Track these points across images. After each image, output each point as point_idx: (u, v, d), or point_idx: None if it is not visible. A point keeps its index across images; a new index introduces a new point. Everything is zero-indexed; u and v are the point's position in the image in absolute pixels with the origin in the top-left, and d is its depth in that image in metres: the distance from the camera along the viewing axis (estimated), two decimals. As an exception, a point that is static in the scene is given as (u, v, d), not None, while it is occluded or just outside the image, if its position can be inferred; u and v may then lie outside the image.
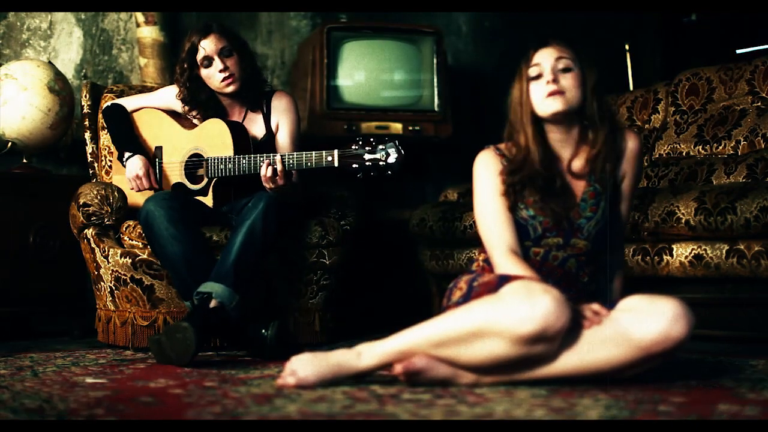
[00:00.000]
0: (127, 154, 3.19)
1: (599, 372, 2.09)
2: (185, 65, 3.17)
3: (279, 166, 2.91)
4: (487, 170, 2.33)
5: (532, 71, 2.28)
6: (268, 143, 3.21)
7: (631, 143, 2.36)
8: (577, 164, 2.32)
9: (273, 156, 2.93)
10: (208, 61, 3.13)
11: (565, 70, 2.26)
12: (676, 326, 2.03)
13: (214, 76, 3.14)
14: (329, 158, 2.84)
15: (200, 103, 3.22)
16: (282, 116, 3.24)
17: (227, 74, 3.12)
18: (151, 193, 3.14)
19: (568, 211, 2.28)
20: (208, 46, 3.13)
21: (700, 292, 3.09)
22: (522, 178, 2.27)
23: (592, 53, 2.36)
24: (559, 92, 2.24)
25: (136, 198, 3.19)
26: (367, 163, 2.79)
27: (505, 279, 2.14)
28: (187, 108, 3.25)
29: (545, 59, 2.27)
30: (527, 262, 2.27)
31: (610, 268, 2.44)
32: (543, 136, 2.30)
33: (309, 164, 2.90)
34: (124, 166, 3.20)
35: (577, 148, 2.33)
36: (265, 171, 2.91)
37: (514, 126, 2.32)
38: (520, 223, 2.29)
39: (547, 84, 2.25)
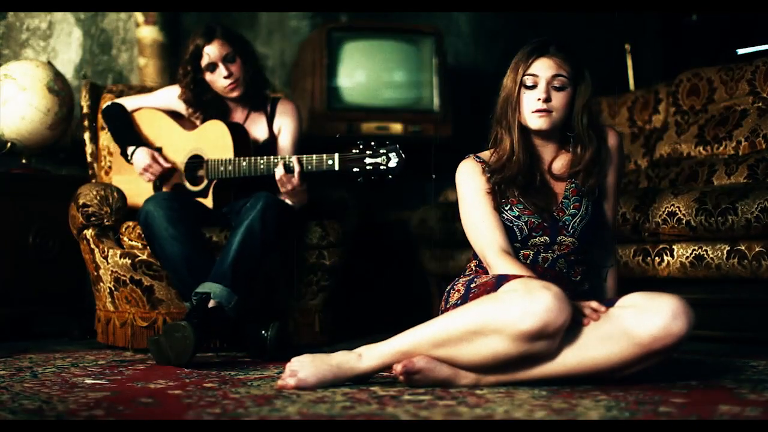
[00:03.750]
0: (130, 149, 3.18)
1: (599, 370, 2.08)
2: (189, 68, 3.17)
3: (298, 167, 2.90)
4: (469, 176, 2.37)
5: (528, 80, 2.30)
6: (270, 146, 3.20)
7: (612, 141, 2.39)
8: (558, 166, 2.37)
9: (290, 157, 2.92)
10: (212, 66, 3.13)
11: (559, 88, 2.29)
12: (676, 322, 2.03)
13: (218, 81, 3.14)
14: (330, 162, 2.84)
15: (203, 104, 3.21)
16: (285, 121, 3.25)
17: (232, 80, 3.13)
18: (150, 193, 3.14)
19: (550, 205, 2.30)
20: (212, 51, 3.12)
21: (701, 292, 3.08)
22: (504, 178, 2.31)
23: (592, 54, 2.37)
24: (547, 111, 2.27)
25: (136, 198, 3.19)
26: (368, 167, 2.79)
27: (503, 278, 2.14)
28: (190, 109, 3.25)
29: (543, 72, 2.28)
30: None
31: (602, 266, 2.45)
32: (529, 140, 2.35)
33: (309, 167, 2.90)
34: (130, 162, 3.19)
35: (557, 152, 2.37)
36: (283, 171, 2.89)
37: (500, 123, 2.35)
38: (507, 225, 2.31)
39: (537, 100, 2.28)
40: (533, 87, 2.29)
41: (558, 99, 2.28)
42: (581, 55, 2.34)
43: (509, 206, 2.31)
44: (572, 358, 2.07)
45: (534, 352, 2.04)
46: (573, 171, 2.33)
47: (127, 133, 3.25)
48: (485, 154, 2.40)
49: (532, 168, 2.33)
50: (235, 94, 3.16)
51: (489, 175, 2.33)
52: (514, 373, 2.10)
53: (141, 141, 3.22)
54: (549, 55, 2.29)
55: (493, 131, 2.38)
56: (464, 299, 2.23)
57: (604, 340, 2.07)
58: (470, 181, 2.36)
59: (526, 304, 1.98)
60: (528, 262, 2.31)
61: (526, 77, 2.29)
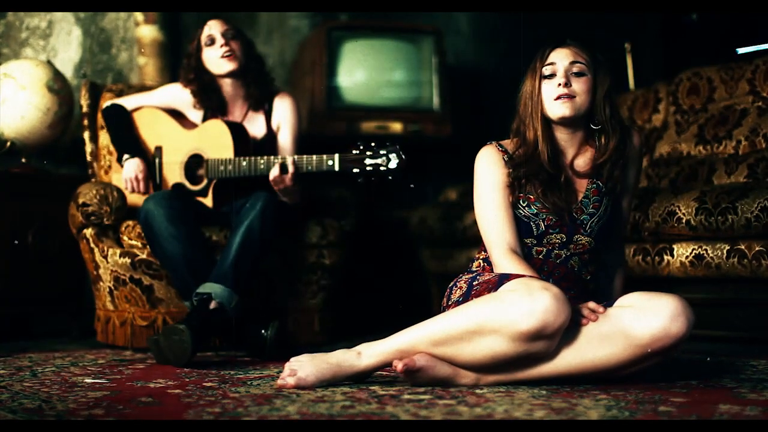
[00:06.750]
0: (126, 156, 3.18)
1: (598, 370, 2.08)
2: (194, 48, 3.20)
3: (291, 168, 2.90)
4: (488, 166, 2.33)
5: (546, 70, 2.28)
6: (268, 143, 3.20)
7: (636, 140, 2.37)
8: (581, 163, 2.33)
9: (285, 158, 2.93)
10: (211, 40, 3.15)
11: (579, 74, 2.26)
12: (675, 323, 2.03)
13: (215, 56, 3.14)
14: (330, 162, 2.84)
15: (204, 89, 3.19)
16: (284, 117, 3.24)
17: (228, 51, 3.12)
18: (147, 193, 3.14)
19: (570, 205, 2.28)
20: (214, 26, 3.17)
21: (701, 292, 3.08)
22: (527, 172, 2.27)
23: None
24: (569, 96, 2.24)
25: (136, 198, 3.19)
26: (368, 168, 2.79)
27: (505, 277, 2.14)
28: (193, 99, 3.23)
29: (560, 60, 2.27)
30: (528, 261, 2.27)
31: (611, 266, 2.44)
32: (551, 133, 2.31)
33: (309, 167, 2.91)
34: (122, 167, 3.19)
35: (580, 147, 2.34)
36: (278, 172, 2.90)
37: (523, 120, 2.32)
38: (523, 220, 2.29)
39: (558, 86, 2.25)
40: (552, 76, 2.27)
41: (578, 84, 2.26)
42: (597, 58, 2.33)
43: (527, 203, 2.28)
44: (571, 358, 2.07)
45: (532, 353, 2.04)
46: (598, 162, 2.29)
47: (126, 138, 3.25)
48: (507, 143, 2.36)
49: (556, 163, 2.29)
50: (230, 66, 3.14)
51: (511, 169, 2.29)
52: (514, 373, 2.10)
53: (139, 149, 3.21)
54: (565, 46, 2.29)
55: (515, 123, 2.35)
56: (466, 297, 2.23)
57: (603, 340, 2.07)
58: (489, 171, 2.32)
59: (525, 304, 1.98)
60: (540, 258, 2.30)
61: (544, 68, 2.27)
